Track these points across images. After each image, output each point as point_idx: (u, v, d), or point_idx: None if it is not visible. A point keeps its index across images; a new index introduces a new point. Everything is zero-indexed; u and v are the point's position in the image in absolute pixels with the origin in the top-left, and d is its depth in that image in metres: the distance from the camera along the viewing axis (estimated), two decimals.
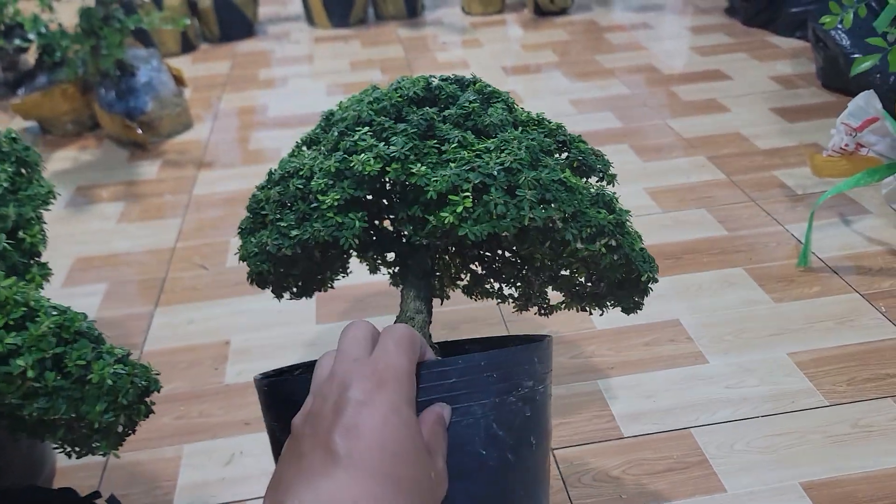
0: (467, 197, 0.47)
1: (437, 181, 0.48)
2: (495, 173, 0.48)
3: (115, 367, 0.49)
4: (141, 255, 1.32)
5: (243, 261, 0.58)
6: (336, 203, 0.50)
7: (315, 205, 0.51)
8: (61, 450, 0.51)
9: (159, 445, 0.90)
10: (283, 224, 0.52)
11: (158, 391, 0.54)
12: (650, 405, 0.91)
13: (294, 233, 0.51)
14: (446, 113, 0.54)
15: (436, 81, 0.57)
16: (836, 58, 1.68)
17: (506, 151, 0.50)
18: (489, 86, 0.59)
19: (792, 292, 1.10)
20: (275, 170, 0.58)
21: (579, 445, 0.86)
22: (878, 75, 1.51)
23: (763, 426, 0.87)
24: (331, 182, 0.51)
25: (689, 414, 0.90)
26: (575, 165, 0.56)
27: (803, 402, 0.90)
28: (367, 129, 0.53)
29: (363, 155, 0.50)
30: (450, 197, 0.48)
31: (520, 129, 0.55)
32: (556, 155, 0.56)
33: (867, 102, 1.16)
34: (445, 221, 0.47)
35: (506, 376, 0.50)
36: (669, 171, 1.47)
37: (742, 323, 1.04)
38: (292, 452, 0.38)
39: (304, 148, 0.61)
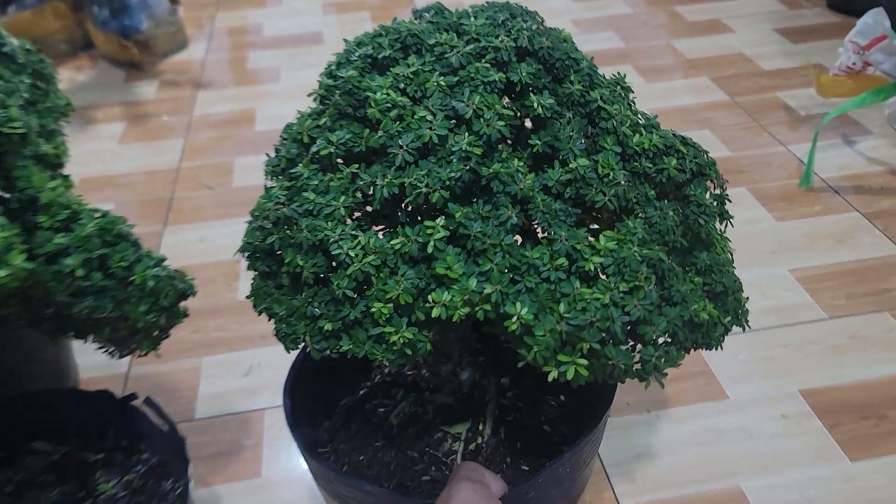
0: (581, 359, 0.38)
1: (544, 338, 0.37)
2: (618, 329, 0.38)
3: (155, 269, 0.50)
4: (145, 175, 1.31)
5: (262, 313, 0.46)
6: (403, 340, 0.39)
7: (372, 327, 0.40)
8: (104, 350, 0.52)
9: (179, 357, 0.92)
10: (325, 327, 0.42)
11: (194, 295, 0.56)
12: None
13: (344, 347, 0.41)
14: (549, 177, 0.42)
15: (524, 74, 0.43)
16: None
17: (634, 291, 0.39)
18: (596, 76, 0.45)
19: (793, 211, 1.12)
20: (280, 203, 0.44)
21: None
22: None
23: (765, 338, 0.90)
24: (396, 315, 0.40)
25: None
26: (707, 283, 0.46)
27: (803, 316, 0.93)
28: (442, 224, 0.40)
29: (446, 294, 0.38)
30: (558, 357, 0.38)
31: (632, 197, 0.43)
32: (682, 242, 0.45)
33: (876, 20, 1.16)
34: (549, 377, 0.39)
35: (577, 463, 0.53)
36: (673, 92, 1.46)
37: (745, 240, 1.06)
38: None
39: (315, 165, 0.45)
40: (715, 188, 0.47)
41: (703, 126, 1.34)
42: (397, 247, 0.39)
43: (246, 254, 0.47)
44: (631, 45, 1.68)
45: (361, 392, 0.61)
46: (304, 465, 0.77)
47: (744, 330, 0.47)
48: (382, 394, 0.61)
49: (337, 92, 0.44)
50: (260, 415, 0.85)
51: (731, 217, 0.48)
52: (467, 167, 0.39)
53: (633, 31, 1.75)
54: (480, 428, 0.57)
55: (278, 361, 0.91)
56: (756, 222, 1.10)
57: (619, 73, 0.48)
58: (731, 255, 0.48)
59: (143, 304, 0.49)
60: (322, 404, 0.60)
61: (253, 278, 0.47)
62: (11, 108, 0.44)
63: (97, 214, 0.48)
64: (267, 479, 0.78)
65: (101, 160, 1.36)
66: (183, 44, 1.78)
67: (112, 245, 0.49)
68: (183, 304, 0.56)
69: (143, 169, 1.33)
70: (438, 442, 0.56)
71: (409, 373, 0.61)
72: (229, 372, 0.90)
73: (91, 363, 0.90)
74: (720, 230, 0.49)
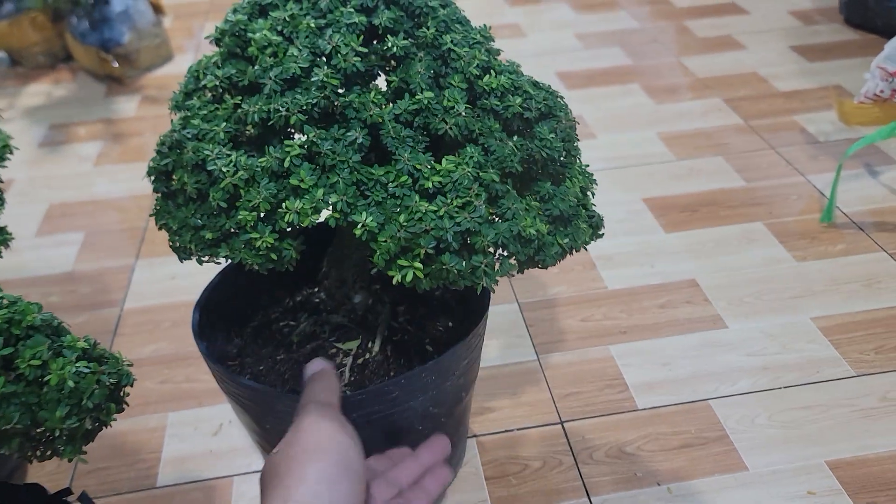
0: (418, 263, 0.44)
1: (385, 244, 0.44)
2: (450, 238, 0.44)
3: (77, 364, 0.42)
4: (121, 200, 1.23)
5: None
6: (267, 245, 0.46)
7: (243, 234, 0.47)
8: (19, 456, 0.44)
9: (142, 413, 0.84)
10: (206, 236, 0.48)
11: (131, 385, 0.48)
12: (666, 374, 0.86)
13: (223, 253, 0.49)
14: (398, 106, 0.47)
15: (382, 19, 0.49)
16: None
17: (465, 206, 0.44)
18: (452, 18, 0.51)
19: (815, 250, 1.03)
20: (179, 134, 0.51)
21: (591, 418, 0.81)
22: None
23: (786, 398, 0.82)
24: (262, 222, 0.46)
25: (708, 384, 0.84)
26: (543, 203, 0.51)
27: (829, 372, 0.85)
28: (299, 143, 0.46)
29: (298, 202, 0.44)
30: (398, 262, 0.45)
31: (476, 129, 0.48)
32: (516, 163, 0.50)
33: None
34: (393, 280, 0.45)
35: (443, 372, 0.57)
36: (683, 115, 1.38)
37: (763, 284, 0.98)
38: None
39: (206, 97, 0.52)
40: (565, 127, 0.52)
41: (717, 152, 1.26)
42: (263, 164, 0.46)
43: (151, 177, 0.53)
44: (638, 62, 1.59)
45: (272, 314, 0.68)
46: None
47: (576, 251, 0.52)
48: (290, 316, 0.68)
49: (226, 35, 0.51)
50: (228, 483, 0.77)
51: (579, 152, 0.54)
52: (323, 95, 0.46)
53: (640, 46, 1.66)
54: (369, 346, 0.63)
55: None
56: (775, 263, 1.02)
57: (484, 25, 0.53)
58: (593, 189, 0.55)
59: (62, 408, 0.41)
60: (236, 324, 0.67)
61: (156, 199, 0.53)
62: None
63: (3, 303, 0.40)
64: None
65: (74, 184, 1.28)
66: (168, 57, 1.70)
67: (22, 340, 0.40)
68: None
69: (118, 194, 1.25)
70: (331, 357, 0.63)
71: (316, 300, 0.68)
72: (197, 431, 0.82)
73: None
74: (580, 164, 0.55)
